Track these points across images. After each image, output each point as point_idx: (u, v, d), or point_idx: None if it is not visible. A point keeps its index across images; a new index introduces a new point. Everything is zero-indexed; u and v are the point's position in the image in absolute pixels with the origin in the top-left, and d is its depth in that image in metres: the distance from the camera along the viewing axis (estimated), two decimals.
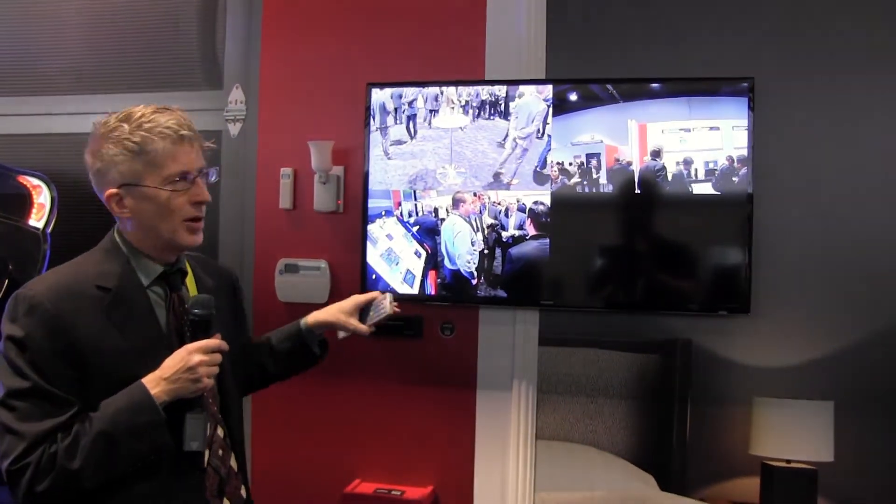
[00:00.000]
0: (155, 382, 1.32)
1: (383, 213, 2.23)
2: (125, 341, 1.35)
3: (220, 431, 1.46)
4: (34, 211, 2.57)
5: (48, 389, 1.28)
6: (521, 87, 2.15)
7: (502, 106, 2.16)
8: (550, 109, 2.13)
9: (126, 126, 1.38)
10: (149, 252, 1.44)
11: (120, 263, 1.42)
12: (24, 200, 2.57)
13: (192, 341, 1.38)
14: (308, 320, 1.70)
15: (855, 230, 3.08)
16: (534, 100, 2.14)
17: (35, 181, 2.61)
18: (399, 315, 1.72)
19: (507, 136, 2.16)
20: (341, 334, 1.71)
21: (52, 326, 1.30)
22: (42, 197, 2.60)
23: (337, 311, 1.70)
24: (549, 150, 2.13)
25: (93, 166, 1.41)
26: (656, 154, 2.07)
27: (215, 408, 1.46)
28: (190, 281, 1.51)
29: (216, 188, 2.47)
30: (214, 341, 1.39)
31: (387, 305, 1.67)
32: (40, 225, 2.57)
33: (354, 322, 1.69)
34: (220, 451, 1.45)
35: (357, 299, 1.72)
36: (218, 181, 2.45)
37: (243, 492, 1.51)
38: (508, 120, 2.16)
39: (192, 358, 1.34)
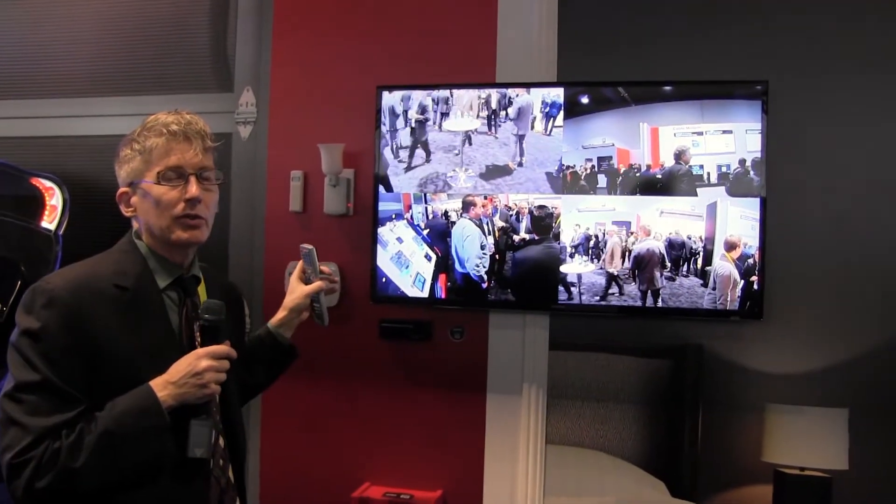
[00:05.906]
0: (162, 386, 1.31)
1: (393, 216, 2.23)
2: (138, 341, 1.35)
3: (220, 441, 1.44)
4: (46, 213, 2.59)
5: (58, 385, 1.27)
6: (532, 90, 2.14)
7: (513, 109, 2.15)
8: (561, 112, 2.12)
9: (138, 128, 1.44)
10: (160, 251, 1.44)
11: (137, 264, 1.42)
12: (36, 202, 2.59)
13: (202, 346, 1.38)
14: (272, 323, 1.70)
15: (870, 235, 3.04)
16: (543, 103, 2.13)
17: (48, 183, 2.62)
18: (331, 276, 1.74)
19: (517, 138, 2.15)
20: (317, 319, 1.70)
21: (70, 320, 1.30)
22: (54, 199, 2.61)
23: (289, 302, 1.70)
24: (561, 153, 2.12)
25: (117, 170, 1.46)
26: (678, 156, 2.06)
27: (218, 416, 1.45)
28: (202, 289, 1.51)
29: (226, 191, 2.47)
30: (223, 347, 1.38)
31: (312, 253, 1.69)
32: (52, 227, 2.58)
33: (303, 288, 1.69)
34: (221, 462, 1.44)
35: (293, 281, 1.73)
36: (228, 184, 2.47)
37: None
38: (519, 122, 2.15)
39: (199, 363, 1.33)
